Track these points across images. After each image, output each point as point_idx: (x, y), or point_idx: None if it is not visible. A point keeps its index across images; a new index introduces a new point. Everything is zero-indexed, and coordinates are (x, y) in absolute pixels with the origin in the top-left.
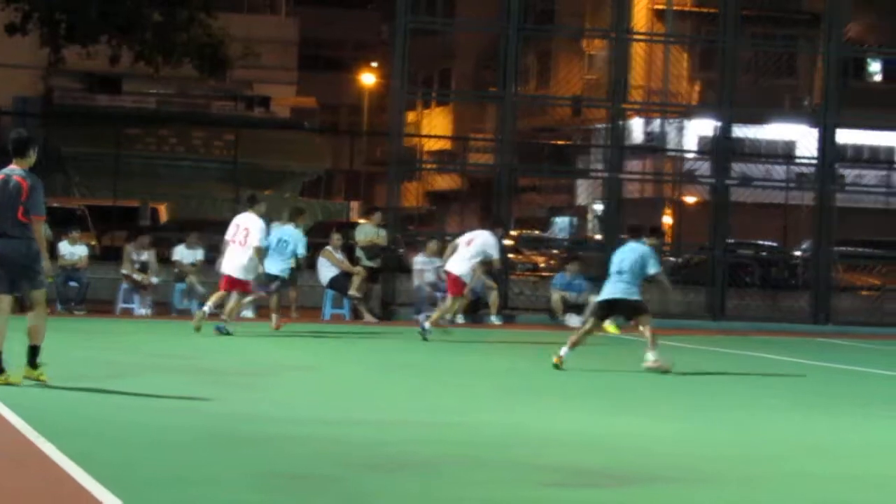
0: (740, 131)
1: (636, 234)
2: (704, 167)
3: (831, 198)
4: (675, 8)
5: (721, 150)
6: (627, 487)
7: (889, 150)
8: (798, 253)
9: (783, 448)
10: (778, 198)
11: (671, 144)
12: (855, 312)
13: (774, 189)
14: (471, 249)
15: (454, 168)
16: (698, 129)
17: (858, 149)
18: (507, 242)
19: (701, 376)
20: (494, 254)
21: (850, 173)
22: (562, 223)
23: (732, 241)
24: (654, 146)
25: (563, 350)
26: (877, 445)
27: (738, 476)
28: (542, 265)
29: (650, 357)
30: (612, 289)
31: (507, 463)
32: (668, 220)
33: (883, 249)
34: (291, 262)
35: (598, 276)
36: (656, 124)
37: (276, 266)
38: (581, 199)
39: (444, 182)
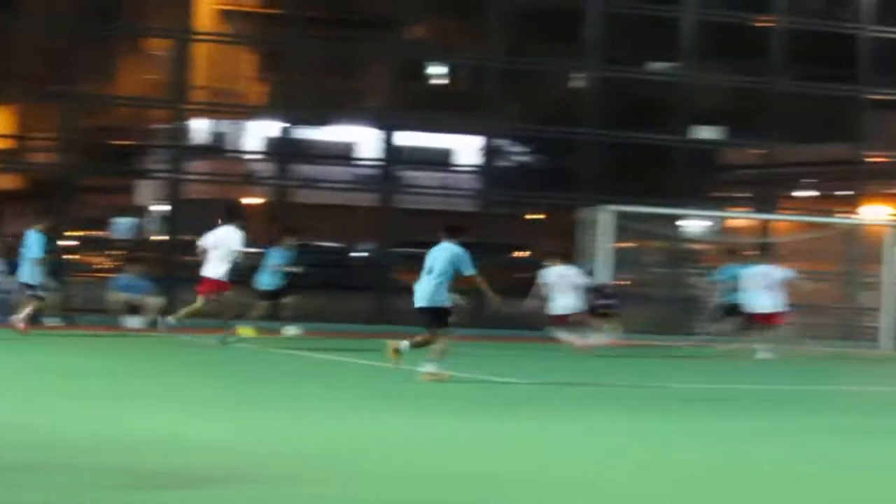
0: (303, 132)
1: (451, 233)
2: (268, 168)
3: (392, 199)
4: (240, 8)
5: (284, 151)
6: (193, 489)
7: (448, 152)
8: (359, 254)
9: (351, 447)
10: (340, 199)
11: (235, 145)
12: (414, 313)
13: (336, 190)
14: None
15: (14, 167)
16: (262, 130)
17: (419, 150)
18: (69, 243)
19: (269, 376)
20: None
21: (410, 175)
22: (123, 224)
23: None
24: (218, 147)
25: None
26: (450, 441)
27: (311, 476)
28: (103, 266)
29: (429, 368)
30: (419, 294)
31: (71, 467)
32: None
33: None
34: None
35: (159, 277)
36: (220, 125)
37: None
38: (143, 200)
39: (5, 182)
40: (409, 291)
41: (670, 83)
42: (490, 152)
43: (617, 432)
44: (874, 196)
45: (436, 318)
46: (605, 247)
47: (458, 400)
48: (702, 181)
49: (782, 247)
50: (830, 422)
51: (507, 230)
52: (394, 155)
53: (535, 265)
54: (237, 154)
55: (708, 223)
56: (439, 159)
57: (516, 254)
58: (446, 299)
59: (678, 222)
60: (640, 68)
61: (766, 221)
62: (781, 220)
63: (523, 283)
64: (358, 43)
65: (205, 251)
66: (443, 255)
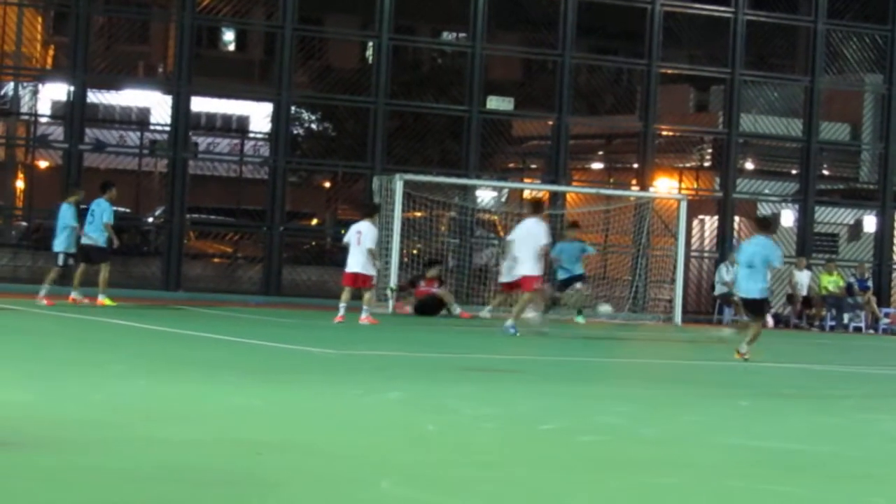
0: (95, 97)
1: (764, 227)
2: (58, 132)
3: (184, 165)
4: None
5: (75, 114)
6: None
7: (242, 118)
8: (150, 220)
9: (132, 413)
10: (132, 164)
11: (24, 108)
12: (206, 279)
13: (128, 155)
14: None
15: None
16: (53, 94)
17: (212, 117)
18: None
19: (44, 340)
20: None
21: (203, 141)
22: None
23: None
24: (7, 110)
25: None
26: (224, 409)
27: (86, 440)
28: None
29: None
30: (747, 286)
31: None
32: (20, 184)
33: (235, 217)
34: None
35: None
36: (9, 87)
37: None
38: None
39: None
40: (200, 257)
41: (462, 53)
42: (281, 120)
43: (402, 401)
44: (664, 169)
45: (759, 308)
46: (396, 215)
47: (257, 368)
48: (492, 152)
49: (575, 218)
50: (612, 392)
51: (298, 198)
52: (185, 121)
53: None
54: (27, 117)
55: (499, 193)
56: (230, 126)
57: (306, 221)
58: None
59: (469, 192)
60: (433, 38)
61: (557, 193)
62: (571, 191)
63: (313, 250)
64: (149, 7)
65: None
66: (759, 249)
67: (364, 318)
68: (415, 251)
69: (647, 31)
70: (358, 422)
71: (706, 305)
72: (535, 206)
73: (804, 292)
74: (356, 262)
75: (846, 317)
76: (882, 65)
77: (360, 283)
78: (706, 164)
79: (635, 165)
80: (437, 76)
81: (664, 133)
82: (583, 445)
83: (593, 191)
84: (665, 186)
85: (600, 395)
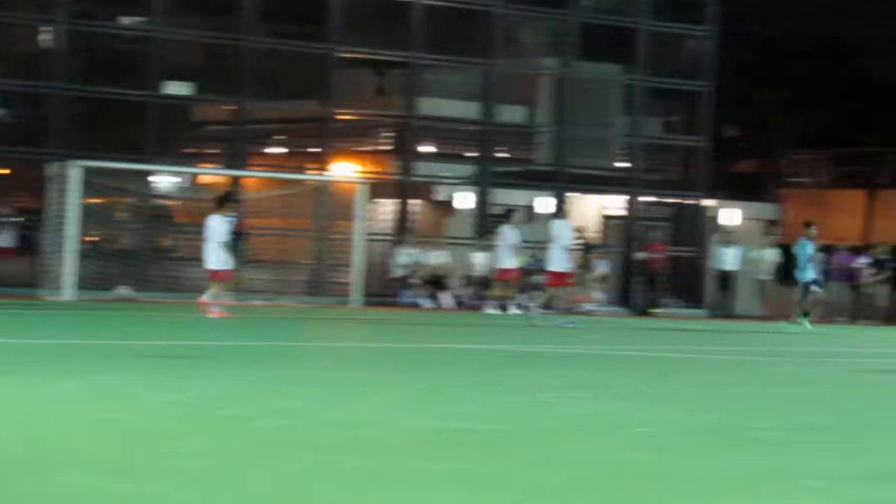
0: None
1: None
2: None
3: None
4: None
5: None
6: None
7: None
8: None
9: None
10: None
11: None
12: None
13: None
14: None
15: None
16: None
17: None
18: None
19: None
20: None
21: None
22: None
23: None
24: None
25: None
26: None
27: None
28: None
29: None
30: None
31: None
32: None
33: None
34: None
35: None
36: None
37: None
38: None
39: None
40: None
41: (141, 38)
42: None
43: (77, 389)
44: (344, 153)
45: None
46: (74, 202)
47: None
48: (173, 137)
49: (255, 203)
50: (293, 375)
51: None
52: None
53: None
54: None
55: (179, 179)
56: None
57: None
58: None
59: (149, 178)
60: (112, 22)
61: (238, 177)
62: (252, 176)
63: None
64: None
65: None
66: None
67: (205, 305)
68: (95, 238)
69: (326, 16)
70: (32, 412)
71: (386, 288)
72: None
73: (483, 273)
74: (207, 257)
75: (522, 296)
76: (558, 48)
77: (213, 277)
78: (386, 147)
79: (316, 149)
80: (116, 60)
81: (344, 117)
82: (264, 430)
83: (272, 175)
84: (345, 170)
85: (281, 380)
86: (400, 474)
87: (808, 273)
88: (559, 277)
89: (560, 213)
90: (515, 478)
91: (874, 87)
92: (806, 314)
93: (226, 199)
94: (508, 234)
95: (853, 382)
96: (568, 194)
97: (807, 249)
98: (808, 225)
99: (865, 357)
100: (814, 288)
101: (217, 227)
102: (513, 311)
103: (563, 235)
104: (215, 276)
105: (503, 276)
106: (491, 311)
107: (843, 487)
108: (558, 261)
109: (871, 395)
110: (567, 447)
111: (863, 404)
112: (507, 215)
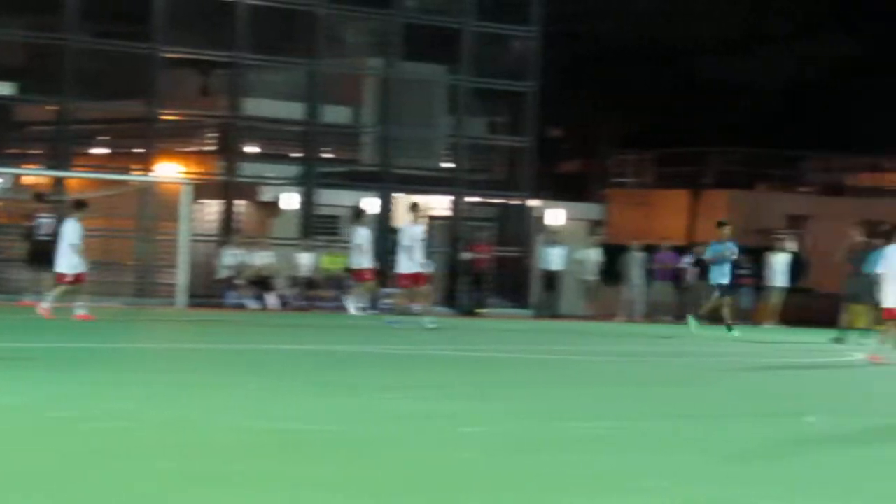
0: None
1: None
2: None
3: None
4: None
5: None
6: None
7: None
8: None
9: None
10: None
11: None
12: None
13: None
14: None
15: None
16: None
17: None
18: None
19: None
20: None
21: None
22: None
23: None
24: None
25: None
26: None
27: None
28: None
29: None
30: None
31: None
32: None
33: None
34: None
35: None
36: None
37: None
38: None
39: None
40: None
41: None
42: None
43: None
44: (168, 153)
45: None
46: None
47: None
48: None
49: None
50: (122, 378)
51: None
52: None
53: None
54: None
55: (1, 180)
56: None
57: None
58: None
59: None
60: None
61: (61, 178)
62: (75, 176)
63: None
64: None
65: None
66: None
67: (45, 308)
68: None
69: (150, 15)
70: None
71: (212, 289)
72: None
73: (309, 274)
74: (58, 261)
75: (349, 297)
76: (382, 48)
77: (62, 280)
78: (210, 148)
79: (140, 150)
80: None
81: (168, 117)
82: (92, 432)
83: (95, 175)
84: (170, 171)
85: (111, 382)
86: (229, 476)
87: (724, 275)
88: (412, 279)
89: (411, 215)
90: (348, 479)
91: (698, 87)
92: (703, 317)
93: (82, 203)
94: (361, 235)
95: (683, 380)
96: (394, 195)
97: (721, 250)
98: (721, 224)
99: (697, 356)
100: (716, 294)
101: (71, 230)
102: (355, 311)
103: (408, 237)
104: (61, 279)
105: (359, 276)
106: (354, 312)
107: (680, 487)
108: (409, 262)
109: (702, 392)
110: (399, 448)
111: (693, 403)
112: (357, 215)
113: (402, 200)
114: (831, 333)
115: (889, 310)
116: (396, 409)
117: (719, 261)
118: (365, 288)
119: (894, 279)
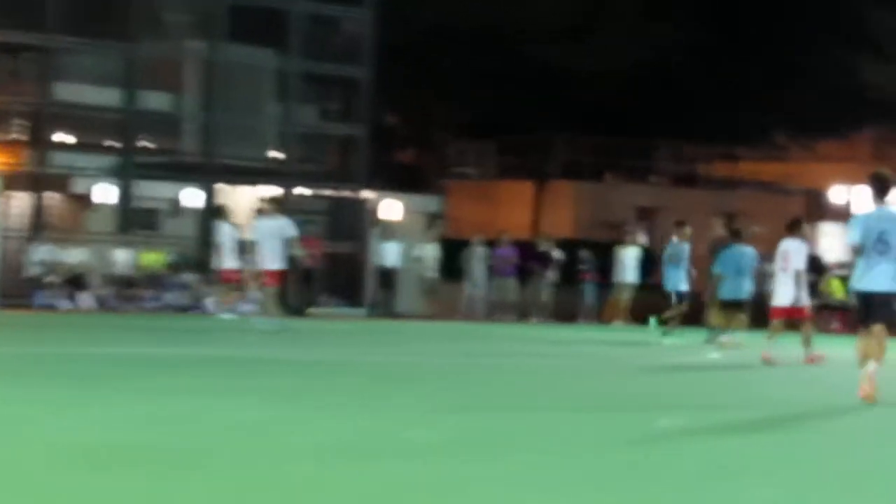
0: None
1: None
2: None
3: None
4: None
5: None
6: None
7: None
8: None
9: None
10: None
11: None
12: None
13: None
14: None
15: None
16: None
17: None
18: None
19: None
20: None
21: None
22: None
23: None
24: None
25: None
26: None
27: None
28: None
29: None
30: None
31: None
32: None
33: None
34: None
35: None
36: None
37: None
38: None
39: None
40: None
41: None
42: None
43: None
44: None
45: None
46: None
47: None
48: None
49: None
50: None
51: None
52: None
53: None
54: None
55: None
56: None
57: None
58: None
59: None
60: None
61: None
62: None
63: None
64: None
65: None
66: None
67: None
68: None
69: None
70: None
71: (20, 288)
72: None
73: (126, 271)
74: None
75: (169, 296)
76: (206, 30)
77: None
78: (19, 136)
79: None
80: None
81: None
82: None
83: None
84: None
85: None
86: (23, 493)
87: (682, 281)
88: (275, 276)
89: (266, 210)
90: (162, 493)
91: (543, 73)
92: (665, 322)
93: None
94: (227, 233)
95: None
96: (217, 186)
97: (679, 251)
98: (679, 224)
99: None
100: (675, 300)
101: None
102: (223, 314)
103: (265, 233)
104: None
105: (225, 277)
106: (224, 315)
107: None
108: (272, 259)
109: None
110: (221, 458)
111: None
112: (221, 213)
113: (225, 192)
114: (687, 332)
115: (776, 309)
116: (221, 415)
117: (674, 263)
118: (229, 289)
119: (785, 277)
